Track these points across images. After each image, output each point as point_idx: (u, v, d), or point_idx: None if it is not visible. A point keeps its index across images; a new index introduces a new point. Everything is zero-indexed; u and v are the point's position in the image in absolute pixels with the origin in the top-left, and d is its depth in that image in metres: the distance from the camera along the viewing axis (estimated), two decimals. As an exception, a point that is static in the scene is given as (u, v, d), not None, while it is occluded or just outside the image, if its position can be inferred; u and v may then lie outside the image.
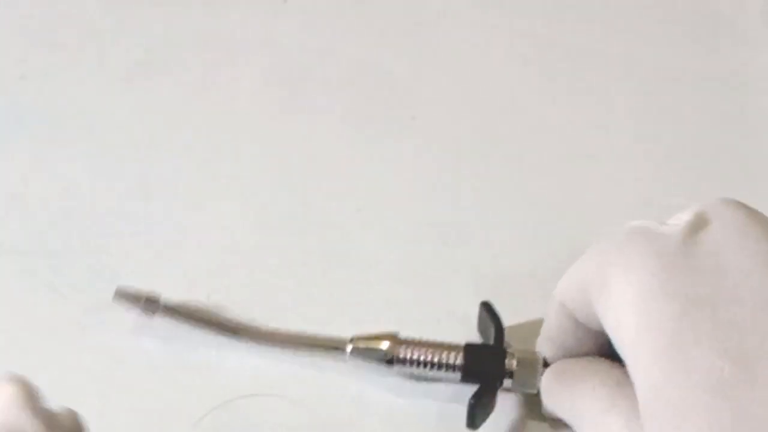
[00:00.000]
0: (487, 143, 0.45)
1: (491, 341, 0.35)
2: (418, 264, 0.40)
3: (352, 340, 0.35)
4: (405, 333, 0.35)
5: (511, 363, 0.34)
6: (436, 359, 0.34)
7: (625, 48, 0.48)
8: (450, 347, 0.35)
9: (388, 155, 0.44)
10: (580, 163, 0.43)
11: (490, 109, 0.46)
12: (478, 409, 0.33)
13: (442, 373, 0.35)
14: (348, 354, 0.35)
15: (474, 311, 0.37)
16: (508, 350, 0.34)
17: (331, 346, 0.36)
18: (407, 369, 0.35)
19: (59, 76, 0.47)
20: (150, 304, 0.37)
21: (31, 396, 0.26)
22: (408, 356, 0.34)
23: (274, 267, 0.40)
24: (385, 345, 0.35)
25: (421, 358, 0.34)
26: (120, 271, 0.39)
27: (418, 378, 0.35)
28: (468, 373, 0.34)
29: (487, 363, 0.34)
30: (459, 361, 0.34)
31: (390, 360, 0.35)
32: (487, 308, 0.36)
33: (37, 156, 0.44)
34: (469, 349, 0.35)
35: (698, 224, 0.27)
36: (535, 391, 0.34)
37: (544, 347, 0.34)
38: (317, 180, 0.43)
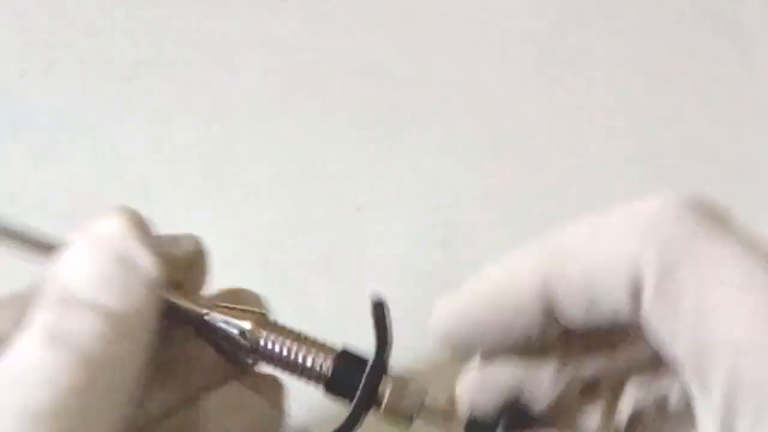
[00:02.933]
0: (488, 143, 0.45)
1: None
2: (418, 264, 0.40)
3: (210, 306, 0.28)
4: (406, 333, 0.35)
5: (385, 388, 0.27)
6: (299, 359, 0.27)
7: (625, 48, 0.48)
8: (324, 349, 0.28)
9: (388, 155, 0.44)
10: (581, 164, 0.43)
11: (490, 109, 0.46)
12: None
13: (303, 378, 0.28)
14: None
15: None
16: (390, 372, 0.27)
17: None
18: (264, 359, 0.28)
19: (59, 76, 0.47)
20: None
21: (138, 225, 0.27)
22: (269, 347, 0.28)
23: (274, 266, 0.40)
24: (247, 324, 0.28)
25: (283, 353, 0.27)
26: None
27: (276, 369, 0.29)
28: (331, 389, 0.27)
29: (357, 381, 0.27)
30: (325, 369, 0.27)
31: (253, 349, 0.28)
32: (377, 309, 0.28)
33: (37, 156, 0.44)
34: (343, 357, 0.27)
35: None
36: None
37: (474, 339, 0.26)
38: (317, 180, 0.43)
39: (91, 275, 0.25)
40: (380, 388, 0.27)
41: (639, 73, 0.47)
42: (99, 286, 0.25)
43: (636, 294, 0.23)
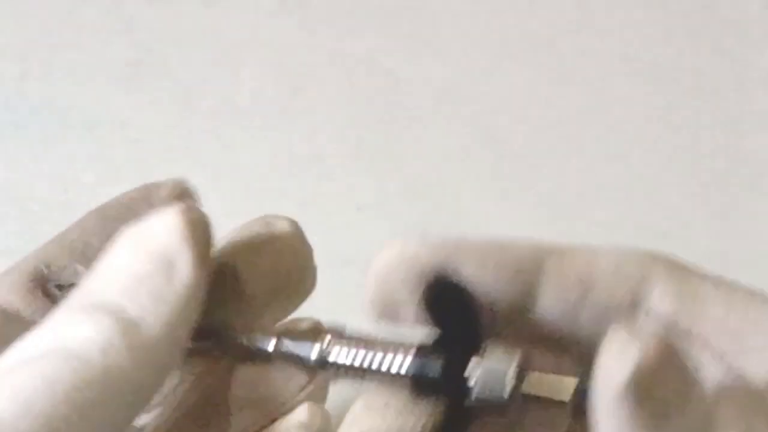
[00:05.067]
0: (488, 143, 0.45)
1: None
2: (418, 264, 0.40)
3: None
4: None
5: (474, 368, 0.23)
6: (374, 364, 0.24)
7: (625, 48, 0.48)
8: (399, 348, 0.24)
9: (388, 155, 0.44)
10: (581, 164, 0.43)
11: (491, 109, 0.46)
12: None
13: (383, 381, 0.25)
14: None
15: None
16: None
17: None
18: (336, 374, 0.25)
19: (59, 76, 0.47)
20: None
21: (193, 223, 0.23)
22: (343, 361, 0.25)
23: (274, 267, 0.40)
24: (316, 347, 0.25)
25: (356, 361, 0.24)
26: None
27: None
28: (419, 387, 0.24)
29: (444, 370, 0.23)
30: (405, 368, 0.24)
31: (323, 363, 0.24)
32: (440, 286, 0.24)
33: (37, 156, 0.44)
34: (424, 351, 0.24)
35: None
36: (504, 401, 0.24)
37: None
38: (317, 180, 0.43)
39: (119, 276, 0.22)
40: (467, 376, 0.23)
41: (639, 73, 0.47)
42: (126, 291, 0.22)
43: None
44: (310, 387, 0.24)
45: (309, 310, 0.39)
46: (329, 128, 0.45)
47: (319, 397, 0.25)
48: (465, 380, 0.23)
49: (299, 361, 0.24)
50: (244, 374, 0.24)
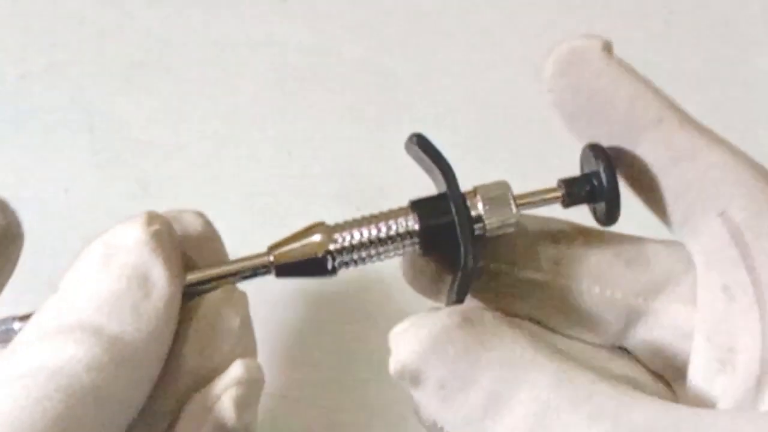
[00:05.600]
0: (488, 143, 0.45)
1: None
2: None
3: (270, 253, 0.27)
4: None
5: (475, 203, 0.26)
6: (383, 233, 0.26)
7: (624, 48, 0.48)
8: (395, 212, 0.27)
9: (388, 155, 0.44)
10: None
11: (491, 109, 0.46)
12: (466, 279, 0.25)
13: (393, 250, 0.26)
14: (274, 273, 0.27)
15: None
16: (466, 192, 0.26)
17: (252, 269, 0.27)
18: (348, 258, 0.26)
19: (59, 76, 0.47)
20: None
21: (160, 234, 0.24)
22: (347, 242, 0.26)
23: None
24: (317, 237, 0.26)
25: (364, 237, 0.26)
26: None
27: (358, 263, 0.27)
28: (428, 238, 0.26)
29: (446, 213, 0.25)
30: (412, 224, 0.26)
31: (339, 255, 0.26)
32: (421, 142, 0.28)
33: (37, 156, 0.44)
34: (418, 205, 0.27)
35: None
36: (514, 227, 0.26)
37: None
38: (317, 179, 0.43)
39: (98, 294, 0.23)
40: (471, 209, 0.26)
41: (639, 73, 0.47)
42: (105, 308, 0.22)
43: None
44: (239, 346, 0.25)
45: (310, 310, 0.39)
46: (329, 128, 0.45)
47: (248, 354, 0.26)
48: (472, 216, 0.25)
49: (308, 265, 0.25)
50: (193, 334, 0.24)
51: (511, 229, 0.26)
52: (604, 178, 0.26)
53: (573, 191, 0.27)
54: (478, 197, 0.26)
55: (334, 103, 0.46)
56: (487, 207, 0.26)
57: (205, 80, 0.47)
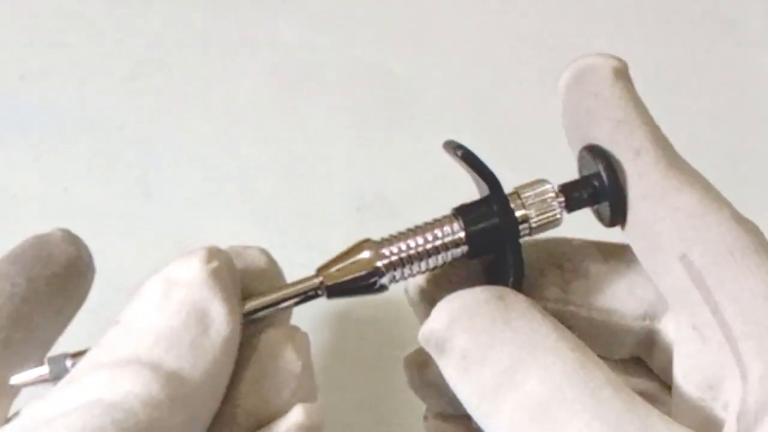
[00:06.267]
0: (488, 143, 0.45)
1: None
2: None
3: (319, 275, 0.27)
4: (408, 333, 0.35)
5: (519, 204, 0.26)
6: (429, 244, 0.26)
7: (625, 48, 0.48)
8: (439, 221, 0.27)
9: (388, 155, 0.44)
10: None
11: (491, 109, 0.46)
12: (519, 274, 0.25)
13: (440, 259, 0.26)
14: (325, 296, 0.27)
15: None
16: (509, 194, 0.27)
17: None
18: (399, 272, 0.26)
19: (59, 76, 0.47)
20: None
21: (220, 271, 0.24)
22: (396, 256, 0.26)
23: (274, 267, 0.40)
24: (366, 254, 0.26)
25: (412, 249, 0.26)
26: (119, 272, 0.39)
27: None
28: (476, 242, 0.26)
29: (494, 217, 0.26)
30: (458, 231, 0.26)
31: (388, 271, 0.26)
32: (460, 150, 0.28)
33: (37, 156, 0.44)
34: (464, 211, 0.26)
35: None
36: (558, 224, 0.27)
37: None
38: (317, 180, 0.43)
39: (156, 329, 0.22)
40: (515, 210, 0.26)
41: (639, 73, 0.47)
42: (163, 344, 0.22)
43: None
44: (300, 390, 0.25)
45: (309, 309, 0.39)
46: (329, 128, 0.45)
47: (309, 398, 0.25)
48: (517, 217, 0.26)
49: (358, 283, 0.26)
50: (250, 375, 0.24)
51: (555, 226, 0.26)
52: (605, 178, 0.26)
53: (574, 195, 0.27)
54: (523, 198, 0.26)
55: (334, 103, 0.46)
56: (531, 207, 0.26)
57: (205, 80, 0.47)
